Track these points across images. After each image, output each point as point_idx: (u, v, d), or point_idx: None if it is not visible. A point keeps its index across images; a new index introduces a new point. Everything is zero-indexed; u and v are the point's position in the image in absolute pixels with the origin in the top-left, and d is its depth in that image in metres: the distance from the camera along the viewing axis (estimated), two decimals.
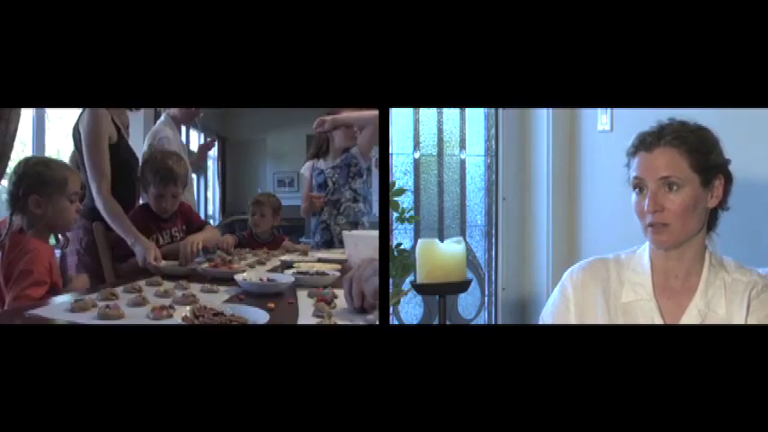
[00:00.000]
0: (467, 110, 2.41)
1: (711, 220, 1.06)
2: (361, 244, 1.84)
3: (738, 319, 1.01)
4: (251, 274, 1.60)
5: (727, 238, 1.10)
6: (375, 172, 2.78)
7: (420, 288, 1.62)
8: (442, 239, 1.64)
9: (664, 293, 1.06)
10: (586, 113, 2.24)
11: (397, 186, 2.00)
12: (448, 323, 1.76)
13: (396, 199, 1.96)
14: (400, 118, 2.33)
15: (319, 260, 2.09)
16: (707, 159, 1.01)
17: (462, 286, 1.66)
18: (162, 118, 2.58)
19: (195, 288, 1.43)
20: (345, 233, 2.08)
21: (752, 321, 1.01)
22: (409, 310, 2.34)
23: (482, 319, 2.44)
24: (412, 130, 2.36)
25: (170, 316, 1.10)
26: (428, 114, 2.37)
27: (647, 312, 1.05)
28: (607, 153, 2.12)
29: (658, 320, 1.04)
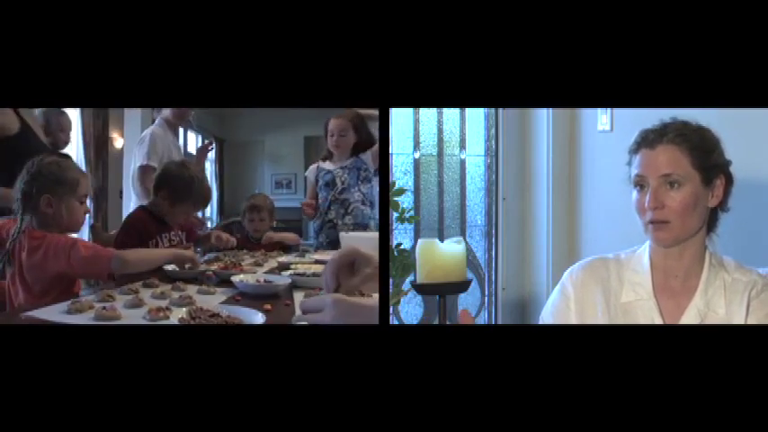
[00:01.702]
0: (467, 110, 2.41)
1: (711, 221, 1.06)
2: (359, 245, 1.82)
3: (738, 318, 1.01)
4: (248, 275, 1.60)
5: (727, 238, 1.09)
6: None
7: (420, 288, 1.61)
8: (442, 239, 1.63)
9: (663, 293, 1.05)
10: (586, 113, 2.24)
11: (397, 186, 2.00)
12: (448, 323, 1.76)
13: (396, 199, 1.95)
14: (400, 118, 2.32)
15: (316, 261, 2.08)
16: (708, 158, 1.01)
17: (462, 286, 1.66)
18: (157, 122, 2.57)
19: (192, 289, 1.43)
20: (343, 234, 2.07)
21: (751, 321, 1.01)
22: (409, 310, 2.33)
23: (482, 319, 2.44)
24: (412, 130, 2.35)
25: (167, 317, 1.10)
26: (428, 114, 2.37)
27: (646, 312, 1.05)
28: (607, 153, 2.12)
29: (658, 320, 1.04)
